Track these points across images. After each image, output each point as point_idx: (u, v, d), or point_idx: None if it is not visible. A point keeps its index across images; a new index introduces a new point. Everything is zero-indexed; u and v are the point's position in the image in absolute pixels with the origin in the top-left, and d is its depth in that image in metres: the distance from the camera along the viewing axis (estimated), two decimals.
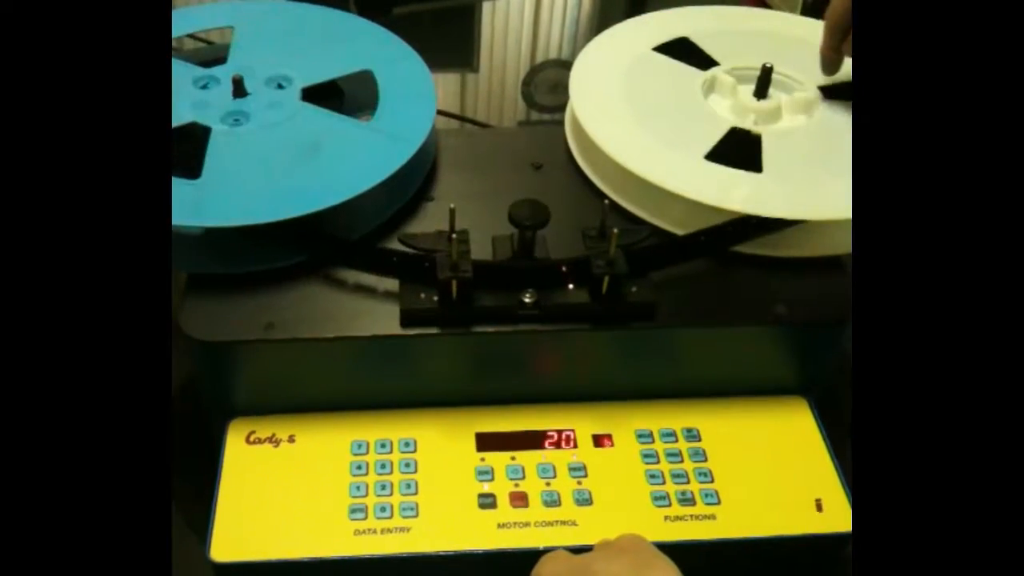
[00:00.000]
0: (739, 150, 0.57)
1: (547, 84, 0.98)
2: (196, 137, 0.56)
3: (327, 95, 0.62)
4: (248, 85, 0.59)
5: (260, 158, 0.55)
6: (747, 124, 0.60)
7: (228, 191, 0.52)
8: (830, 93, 0.63)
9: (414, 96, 0.61)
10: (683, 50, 0.66)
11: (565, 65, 1.00)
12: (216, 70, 0.61)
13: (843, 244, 0.55)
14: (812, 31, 0.69)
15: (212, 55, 0.65)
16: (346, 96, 0.63)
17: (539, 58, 1.02)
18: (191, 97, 0.59)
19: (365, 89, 0.62)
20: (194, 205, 0.51)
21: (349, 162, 0.55)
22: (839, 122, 0.60)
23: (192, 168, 0.53)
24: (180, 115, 0.57)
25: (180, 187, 0.52)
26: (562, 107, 0.68)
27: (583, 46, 0.67)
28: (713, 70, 0.64)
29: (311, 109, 0.59)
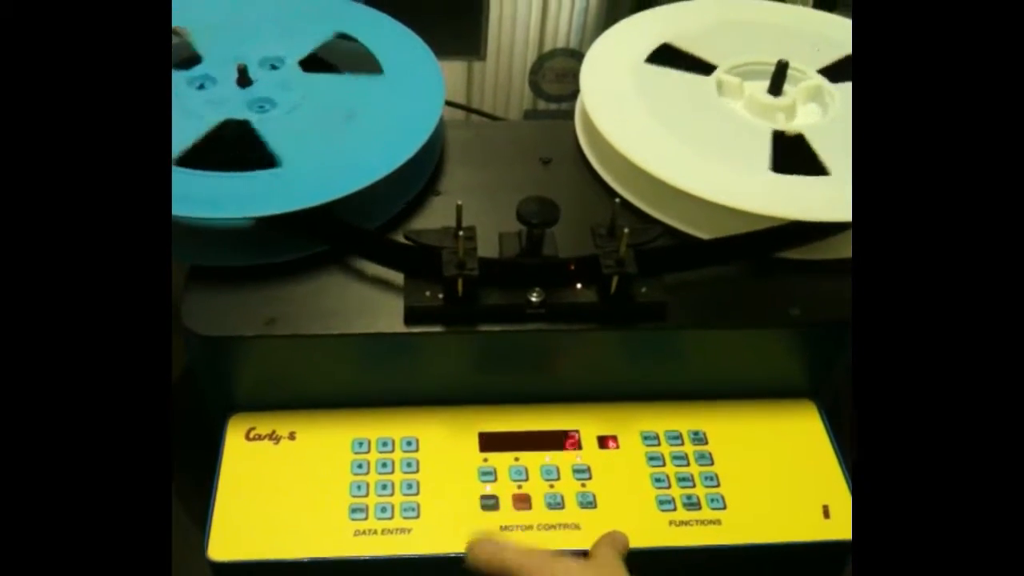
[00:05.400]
0: (787, 154, 0.56)
1: (554, 72, 0.96)
2: (235, 132, 0.54)
3: (323, 69, 0.61)
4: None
5: (314, 134, 0.55)
6: (779, 124, 0.58)
7: (307, 173, 0.52)
8: (831, 75, 0.62)
9: (421, 86, 0.59)
10: (671, 57, 0.64)
11: (573, 54, 0.99)
12: (199, 69, 0.59)
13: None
14: (800, 19, 0.68)
15: (179, 56, 0.61)
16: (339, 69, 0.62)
17: (547, 46, 1.01)
18: (198, 98, 0.57)
19: (354, 56, 0.61)
20: (282, 191, 0.50)
21: (377, 136, 0.55)
22: None
23: (253, 161, 0.52)
24: (206, 116, 0.55)
25: (262, 178, 0.51)
26: (569, 96, 0.67)
27: (592, 34, 0.65)
28: (715, 73, 0.62)
29: (323, 78, 0.58)
